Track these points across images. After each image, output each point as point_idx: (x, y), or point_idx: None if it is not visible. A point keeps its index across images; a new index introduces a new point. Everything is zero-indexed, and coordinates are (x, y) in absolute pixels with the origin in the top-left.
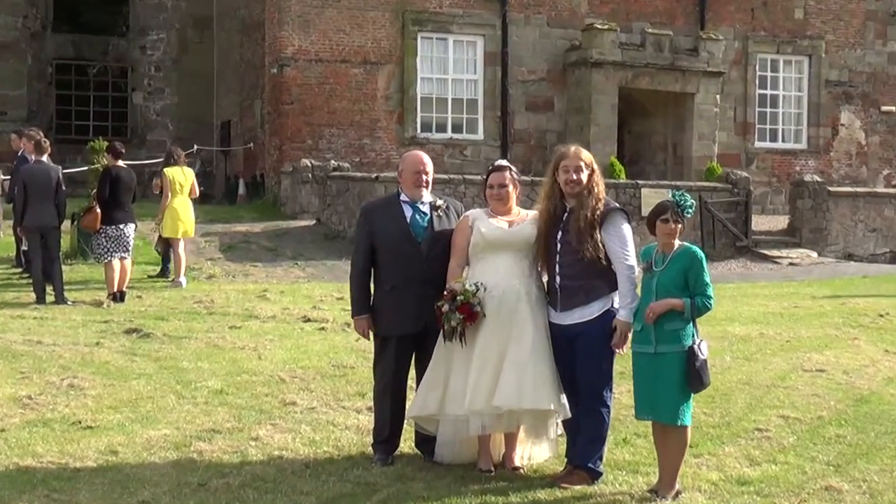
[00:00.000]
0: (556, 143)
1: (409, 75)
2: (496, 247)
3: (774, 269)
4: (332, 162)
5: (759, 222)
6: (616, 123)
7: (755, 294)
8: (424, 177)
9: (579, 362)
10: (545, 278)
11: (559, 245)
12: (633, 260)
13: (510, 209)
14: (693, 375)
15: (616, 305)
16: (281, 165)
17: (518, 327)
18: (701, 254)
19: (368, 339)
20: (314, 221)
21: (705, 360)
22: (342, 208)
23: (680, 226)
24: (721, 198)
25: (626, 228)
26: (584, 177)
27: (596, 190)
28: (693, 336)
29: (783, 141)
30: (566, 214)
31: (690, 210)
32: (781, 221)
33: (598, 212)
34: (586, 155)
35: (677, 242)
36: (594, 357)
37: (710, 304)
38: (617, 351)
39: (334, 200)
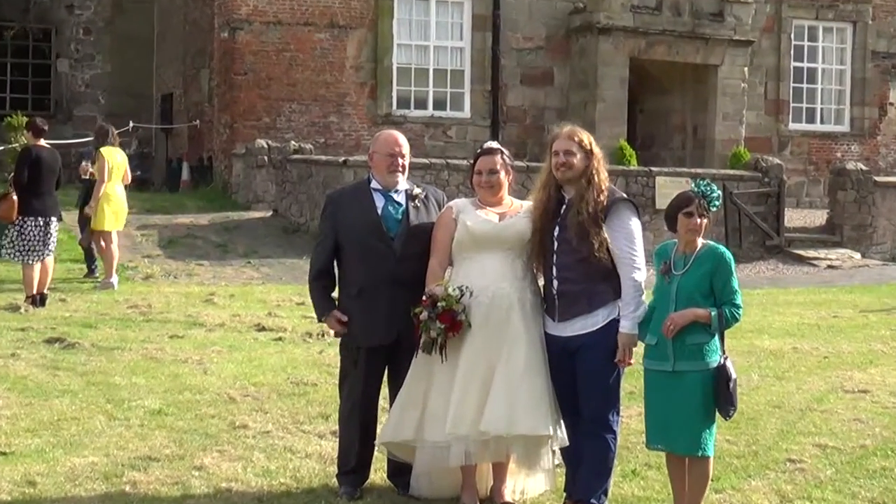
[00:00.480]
0: (555, 122)
1: (383, 42)
2: (484, 244)
3: (811, 272)
4: (293, 143)
5: (794, 217)
6: (626, 100)
7: (788, 302)
8: (400, 160)
9: (581, 381)
10: (541, 282)
11: (556, 243)
12: (640, 261)
13: (501, 199)
14: (724, 398)
15: None
16: (232, 146)
17: (509, 340)
18: (729, 255)
19: (346, 329)
20: (271, 213)
21: (735, 379)
22: (304, 197)
23: (706, 220)
24: (749, 188)
25: (635, 223)
26: (578, 161)
27: (597, 178)
28: (718, 352)
29: (822, 122)
30: (564, 207)
31: (717, 202)
32: (819, 217)
33: (600, 204)
34: (583, 135)
35: (701, 241)
36: (598, 375)
37: (740, 315)
38: (624, 363)
39: (295, 188)
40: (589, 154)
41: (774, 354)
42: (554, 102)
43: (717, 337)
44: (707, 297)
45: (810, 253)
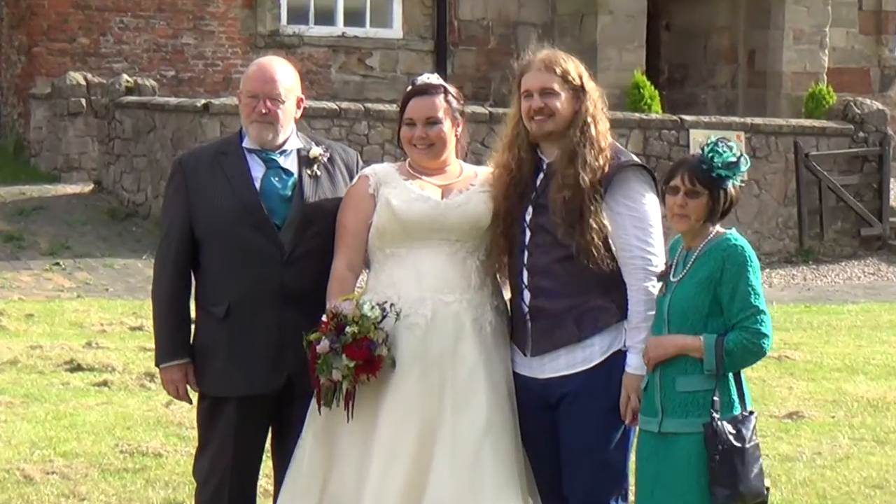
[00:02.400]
0: (534, 46)
1: None
2: (419, 233)
3: None
4: (125, 78)
5: None
6: (645, 10)
7: (894, 324)
8: (267, 104)
9: (567, 450)
10: (507, 294)
11: (528, 233)
12: (659, 258)
13: (445, 165)
14: (715, 475)
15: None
16: (29, 83)
17: (458, 384)
18: (746, 248)
19: (189, 403)
20: (91, 187)
21: (744, 449)
22: (142, 163)
23: (701, 200)
24: (835, 148)
25: (650, 202)
26: (562, 104)
27: (592, 131)
28: (732, 404)
29: None
30: (541, 177)
31: (733, 172)
32: None
33: (598, 171)
34: (568, 64)
35: (714, 231)
36: (593, 438)
37: (763, 345)
38: (634, 422)
39: (128, 149)
40: (579, 93)
41: (874, 406)
42: (532, 14)
43: (730, 380)
44: (709, 316)
45: None
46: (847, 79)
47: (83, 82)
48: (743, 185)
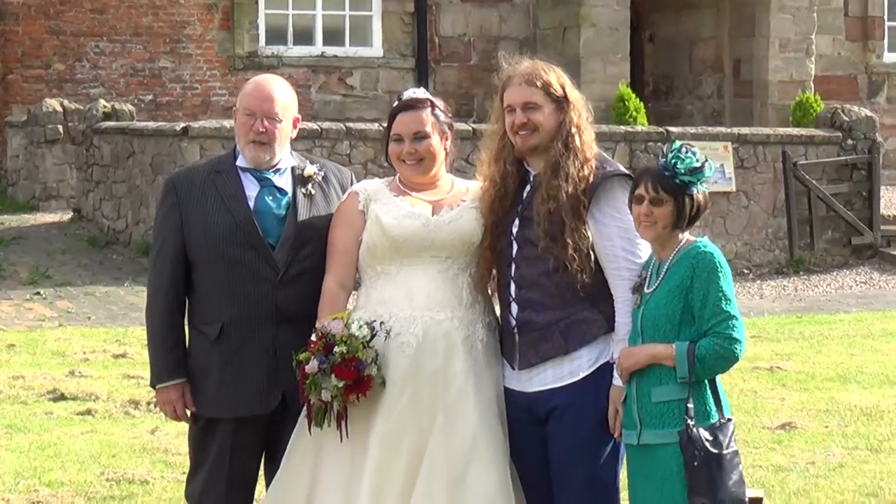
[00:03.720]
0: (514, 58)
1: None
2: (409, 251)
3: None
4: (102, 103)
5: (894, 200)
6: (628, 22)
7: (887, 332)
8: (266, 124)
9: (556, 465)
10: (497, 309)
11: (515, 245)
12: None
13: (435, 180)
14: (693, 486)
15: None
16: (6, 111)
17: (450, 403)
18: (715, 255)
19: (188, 422)
20: (70, 214)
21: (722, 456)
22: (121, 189)
23: (666, 208)
24: (824, 157)
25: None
26: (546, 117)
27: (576, 141)
28: (708, 412)
29: None
30: (528, 189)
31: (696, 178)
32: None
33: (582, 182)
34: (550, 76)
35: (683, 239)
36: (582, 452)
37: (735, 350)
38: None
39: (107, 175)
40: (562, 104)
41: (867, 414)
42: (514, 29)
43: (706, 388)
44: (681, 325)
45: None
46: (834, 86)
47: (60, 109)
48: (707, 190)
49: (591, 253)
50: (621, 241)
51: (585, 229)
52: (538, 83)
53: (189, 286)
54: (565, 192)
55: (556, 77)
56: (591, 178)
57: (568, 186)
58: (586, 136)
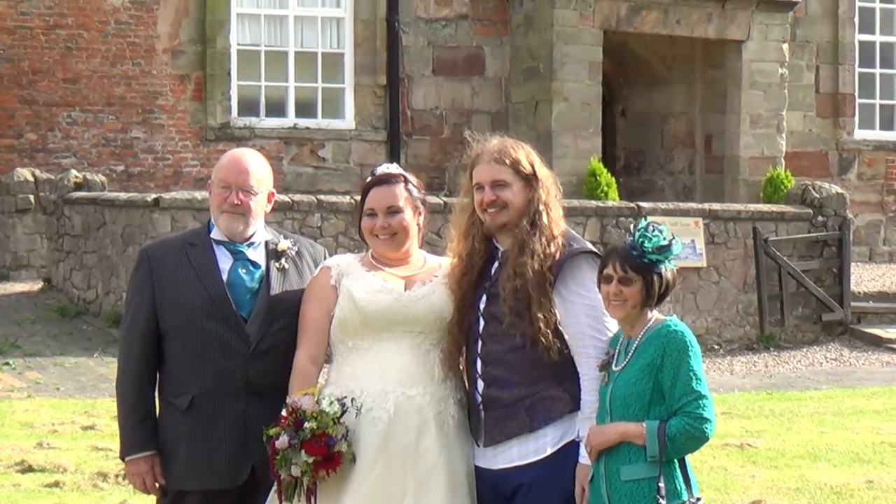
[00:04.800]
0: (489, 134)
1: (215, 11)
2: (381, 326)
3: (891, 361)
4: (73, 173)
5: (864, 277)
6: (600, 98)
7: (858, 409)
8: (240, 196)
9: None
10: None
11: (482, 321)
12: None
13: (407, 255)
14: None
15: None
16: None
17: (419, 479)
18: (686, 334)
19: (157, 496)
20: (40, 284)
21: None
22: (92, 259)
23: (635, 287)
24: (794, 233)
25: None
26: (515, 195)
27: (544, 219)
28: (678, 491)
29: None
30: (495, 265)
31: (664, 257)
32: None
33: (549, 259)
34: (519, 153)
35: (652, 317)
36: None
37: (706, 430)
38: None
39: (77, 245)
40: (531, 181)
41: (837, 492)
42: (486, 102)
43: (675, 467)
44: (651, 404)
45: (891, 333)
46: (805, 163)
47: (31, 178)
48: (675, 267)
49: (559, 330)
50: (588, 319)
51: (552, 306)
52: (507, 161)
53: (160, 358)
54: (531, 268)
55: (525, 154)
56: (557, 256)
57: (534, 263)
58: (554, 213)
